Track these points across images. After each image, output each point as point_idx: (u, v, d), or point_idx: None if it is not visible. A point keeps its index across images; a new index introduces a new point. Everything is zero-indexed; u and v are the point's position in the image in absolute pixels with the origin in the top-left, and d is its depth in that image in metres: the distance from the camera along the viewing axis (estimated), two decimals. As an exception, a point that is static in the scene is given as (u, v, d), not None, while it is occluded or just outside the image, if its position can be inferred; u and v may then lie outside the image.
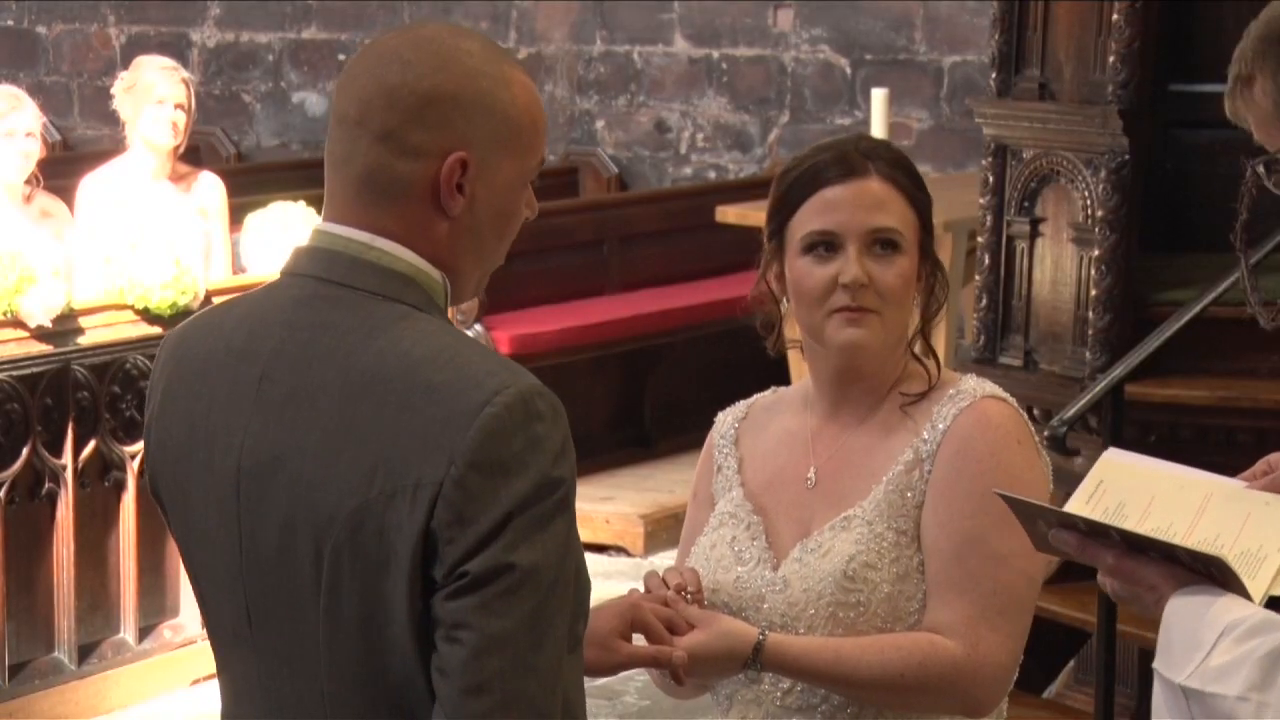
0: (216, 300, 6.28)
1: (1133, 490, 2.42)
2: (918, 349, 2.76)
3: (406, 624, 2.02)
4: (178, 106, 6.56)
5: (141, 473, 6.13)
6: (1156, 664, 2.26)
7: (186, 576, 2.31)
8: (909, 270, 2.72)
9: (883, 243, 2.71)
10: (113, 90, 6.69)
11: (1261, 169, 2.44)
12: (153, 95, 6.53)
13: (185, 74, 6.71)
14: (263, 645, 2.15)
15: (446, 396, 2.02)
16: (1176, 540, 2.31)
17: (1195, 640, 2.21)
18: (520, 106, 2.15)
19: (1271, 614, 2.23)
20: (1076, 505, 2.41)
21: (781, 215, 2.76)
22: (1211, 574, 2.26)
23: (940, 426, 2.70)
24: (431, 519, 2.00)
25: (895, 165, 2.74)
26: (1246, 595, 2.25)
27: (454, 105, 2.10)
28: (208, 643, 6.69)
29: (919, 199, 2.75)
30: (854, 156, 2.73)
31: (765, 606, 2.69)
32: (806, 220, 2.73)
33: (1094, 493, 2.42)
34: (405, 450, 2.01)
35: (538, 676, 2.01)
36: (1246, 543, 2.34)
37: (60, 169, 7.79)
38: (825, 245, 2.71)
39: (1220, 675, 2.17)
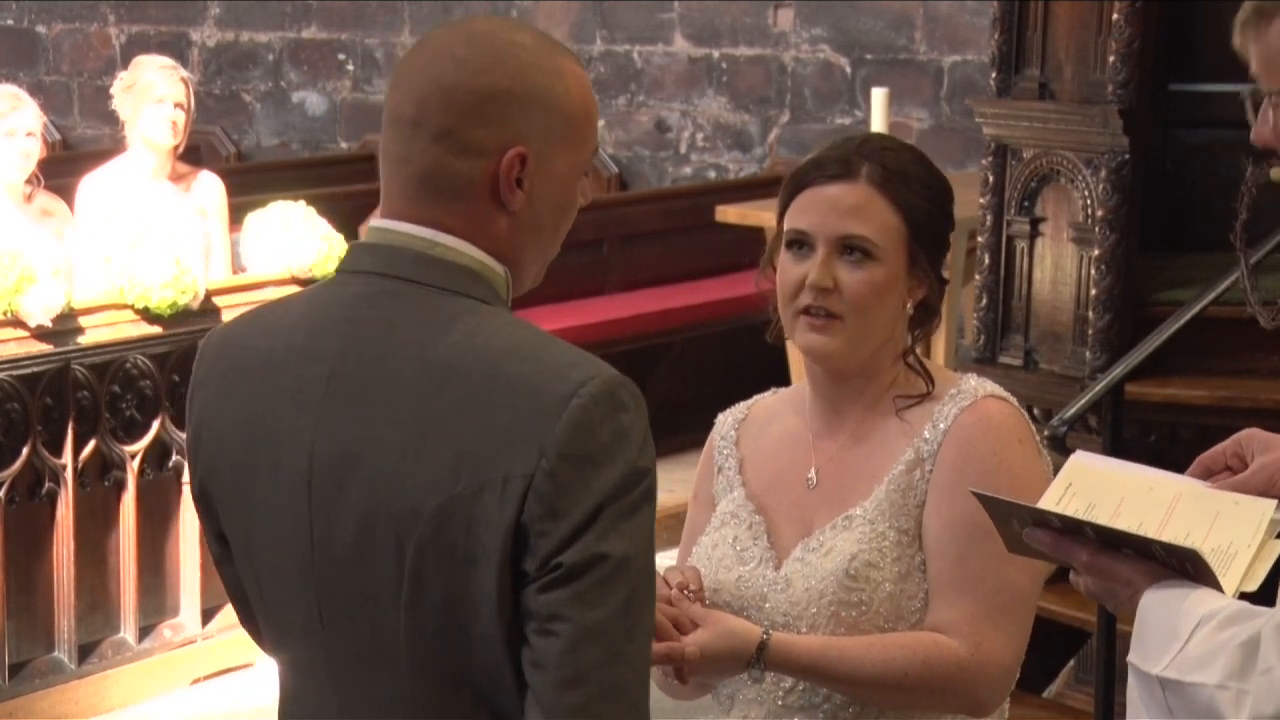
0: (217, 300, 6.29)
1: (1101, 492, 2.42)
2: (910, 360, 2.75)
3: (495, 618, 2.01)
4: (177, 105, 6.55)
5: (141, 472, 6.14)
6: (1131, 657, 2.26)
7: (245, 579, 2.25)
8: (882, 279, 2.69)
9: (853, 249, 2.69)
10: (112, 90, 6.68)
11: (1248, 103, 2.41)
12: (152, 94, 6.52)
13: (184, 73, 6.71)
14: (336, 644, 2.13)
15: (531, 388, 2.01)
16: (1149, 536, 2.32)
17: (1172, 632, 2.21)
18: (574, 98, 2.13)
19: (1246, 604, 2.23)
20: (1045, 507, 2.41)
21: (781, 205, 2.77)
22: (1186, 569, 2.27)
23: (941, 426, 2.70)
24: (522, 512, 1.98)
25: (895, 172, 2.70)
26: (1220, 589, 2.26)
27: (510, 101, 2.09)
28: (208, 642, 6.62)
29: (914, 208, 2.71)
30: (851, 158, 2.71)
31: (767, 606, 2.69)
32: (792, 216, 2.74)
33: (1063, 495, 2.42)
34: (491, 444, 2.00)
35: (631, 666, 2.01)
36: (1217, 540, 2.35)
37: (60, 168, 7.79)
38: (800, 244, 2.72)
39: (1199, 664, 2.17)
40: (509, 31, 2.14)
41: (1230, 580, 2.28)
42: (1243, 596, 2.30)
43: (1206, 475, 2.51)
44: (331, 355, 2.10)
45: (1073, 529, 2.32)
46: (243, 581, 2.25)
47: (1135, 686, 2.27)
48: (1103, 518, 2.35)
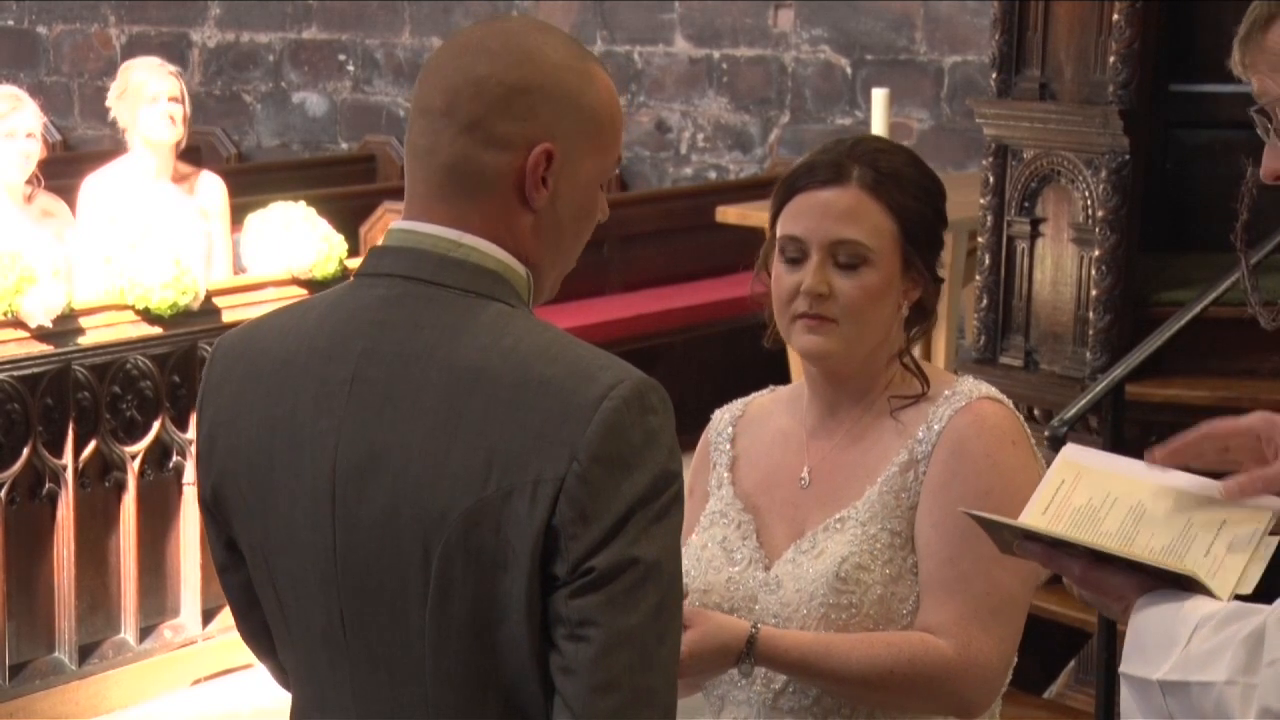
0: (217, 301, 6.29)
1: (1095, 490, 2.40)
2: (906, 361, 2.75)
3: (523, 623, 1.99)
4: (171, 100, 6.57)
5: (142, 473, 6.14)
6: (1124, 667, 2.25)
7: (260, 586, 2.21)
8: (876, 284, 2.68)
9: (847, 254, 2.68)
10: (107, 102, 6.71)
11: (1255, 116, 2.37)
12: (145, 94, 6.54)
13: (173, 68, 6.73)
14: (358, 649, 2.10)
15: (561, 391, 1.99)
16: (1136, 548, 2.30)
17: (1169, 637, 2.20)
18: (602, 103, 2.13)
19: (1242, 604, 2.22)
20: (1037, 509, 2.39)
21: (774, 211, 2.76)
22: (1179, 583, 2.26)
23: (935, 428, 2.69)
24: (553, 515, 1.96)
25: (887, 175, 2.69)
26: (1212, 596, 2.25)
27: (541, 97, 2.08)
28: (209, 643, 6.60)
29: (907, 211, 2.70)
30: (843, 162, 2.70)
31: (758, 607, 2.69)
32: (785, 222, 2.73)
33: (1056, 492, 2.40)
34: (521, 446, 1.98)
35: (662, 671, 2.00)
36: (1217, 548, 2.32)
37: (61, 169, 7.80)
38: (794, 250, 2.71)
39: (1204, 663, 2.16)
40: (541, 32, 2.14)
41: (1221, 583, 2.27)
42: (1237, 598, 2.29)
43: (1224, 452, 2.45)
44: (354, 358, 2.08)
45: (1063, 544, 2.31)
46: (256, 589, 2.22)
47: (1131, 697, 2.25)
48: (1086, 524, 2.34)
